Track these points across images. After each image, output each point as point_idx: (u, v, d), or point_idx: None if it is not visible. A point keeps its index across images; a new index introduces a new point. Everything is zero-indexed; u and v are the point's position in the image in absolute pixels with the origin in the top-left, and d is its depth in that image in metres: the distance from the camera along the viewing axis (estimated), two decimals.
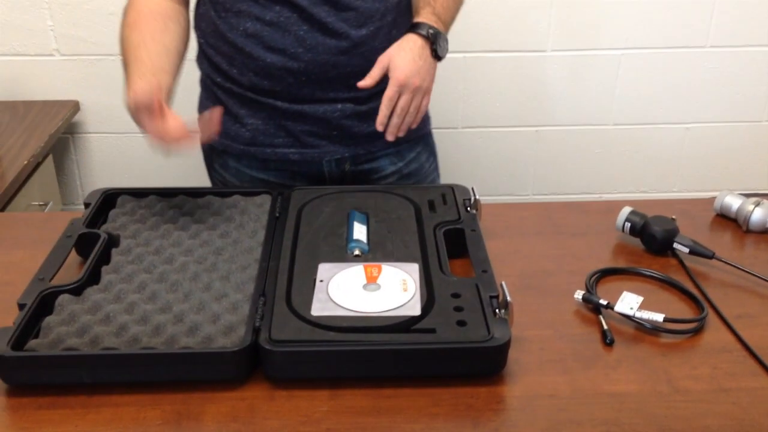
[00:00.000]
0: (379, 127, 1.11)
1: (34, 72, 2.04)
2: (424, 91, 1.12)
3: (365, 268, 0.95)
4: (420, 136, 1.34)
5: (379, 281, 0.92)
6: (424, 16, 1.16)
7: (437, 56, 1.15)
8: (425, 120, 1.35)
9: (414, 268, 0.95)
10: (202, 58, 1.28)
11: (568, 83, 2.15)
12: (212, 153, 1.34)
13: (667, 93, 2.18)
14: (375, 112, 1.18)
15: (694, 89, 2.18)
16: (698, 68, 2.15)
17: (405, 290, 0.91)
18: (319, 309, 0.87)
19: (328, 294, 0.90)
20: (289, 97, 1.21)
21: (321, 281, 0.92)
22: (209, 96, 1.29)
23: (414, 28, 1.15)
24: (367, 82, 1.11)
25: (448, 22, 1.21)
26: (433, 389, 0.82)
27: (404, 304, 0.88)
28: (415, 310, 0.87)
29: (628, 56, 2.12)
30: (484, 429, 0.77)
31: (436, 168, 1.41)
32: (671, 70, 2.15)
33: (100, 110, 2.10)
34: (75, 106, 2.05)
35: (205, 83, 1.30)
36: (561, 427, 0.78)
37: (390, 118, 1.11)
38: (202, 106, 1.32)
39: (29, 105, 2.01)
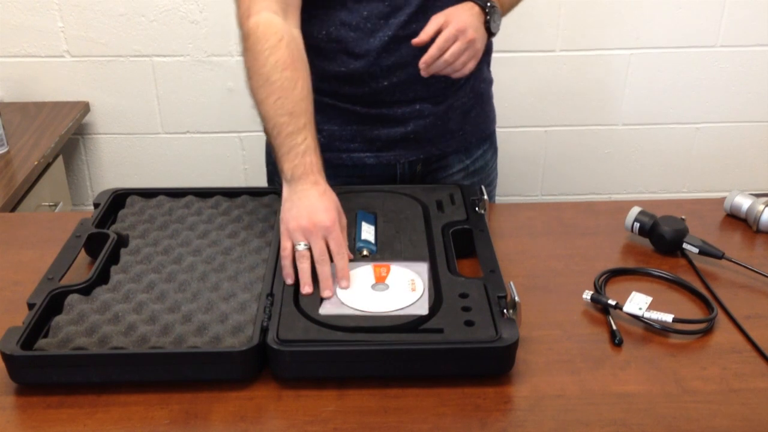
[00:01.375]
0: (422, 65, 1.06)
1: (45, 73, 2.05)
2: (475, 50, 1.09)
3: (374, 267, 0.95)
4: (487, 135, 1.34)
5: (387, 281, 0.92)
6: None
7: (489, 30, 1.12)
8: (493, 117, 1.35)
9: (423, 267, 0.95)
10: None
11: (577, 83, 2.14)
12: None
13: (677, 93, 2.17)
14: (449, 110, 1.19)
15: (704, 89, 2.16)
16: (708, 68, 2.14)
17: (413, 290, 0.90)
18: (327, 309, 0.87)
19: (336, 294, 0.90)
20: (369, 101, 1.19)
21: None
22: None
23: None
24: (422, 37, 1.07)
25: (506, 8, 1.19)
26: (441, 389, 0.82)
27: (412, 303, 0.88)
28: (423, 309, 0.87)
29: (637, 56, 2.11)
30: (491, 429, 0.77)
31: (496, 166, 1.41)
32: (681, 70, 2.14)
33: (110, 111, 2.11)
34: (85, 107, 2.06)
35: None
36: (569, 427, 0.77)
37: (436, 60, 1.06)
38: None
39: (40, 106, 2.02)
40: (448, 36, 1.05)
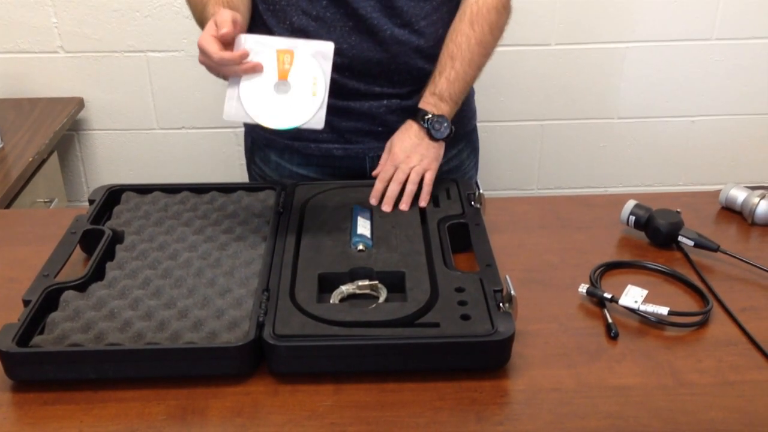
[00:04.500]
0: (372, 201, 1.11)
1: (39, 69, 2.04)
2: (424, 166, 1.13)
3: (278, 54, 0.95)
4: (464, 133, 1.34)
5: (290, 78, 0.94)
6: (424, 101, 1.17)
7: (434, 138, 1.16)
8: (470, 115, 1.35)
9: (328, 48, 0.96)
10: None
11: (572, 77, 2.14)
12: (254, 146, 1.35)
13: (672, 86, 2.17)
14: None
15: (699, 82, 2.16)
16: (703, 61, 2.14)
17: (314, 94, 0.92)
18: (231, 114, 0.90)
19: (239, 93, 0.92)
20: (335, 93, 1.19)
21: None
22: None
23: (414, 114, 1.17)
24: (377, 170, 1.14)
25: (458, 93, 1.19)
26: (437, 383, 0.82)
27: (310, 119, 0.92)
28: (320, 123, 0.92)
29: (632, 49, 2.11)
30: (488, 423, 0.77)
31: (476, 165, 1.41)
32: (676, 63, 2.14)
33: (104, 107, 2.10)
34: (79, 103, 2.05)
35: None
36: (565, 420, 0.78)
37: (384, 192, 1.11)
38: None
39: (34, 102, 2.01)
40: (383, 173, 1.13)
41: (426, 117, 1.16)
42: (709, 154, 2.27)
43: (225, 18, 0.98)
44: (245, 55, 0.96)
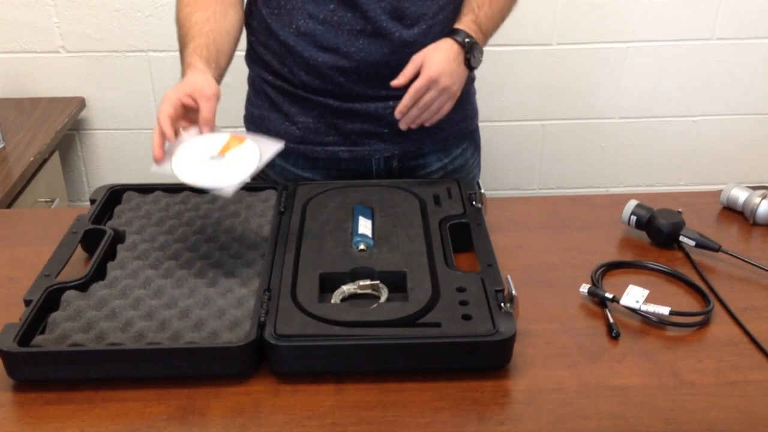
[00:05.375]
0: (397, 115, 1.12)
1: (40, 69, 2.05)
2: (450, 94, 1.13)
3: (231, 138, 0.96)
4: (468, 132, 1.34)
5: (227, 155, 0.95)
6: (464, 23, 1.16)
7: (470, 66, 1.15)
8: (473, 114, 1.35)
9: (278, 147, 0.97)
10: (253, 56, 1.27)
11: (573, 77, 2.14)
12: None
13: (674, 86, 2.17)
14: None
15: (700, 82, 2.16)
16: (705, 61, 2.14)
17: (240, 172, 0.92)
18: (155, 167, 0.91)
19: (176, 150, 0.93)
20: (341, 95, 1.20)
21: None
22: (258, 94, 1.28)
23: (452, 33, 1.15)
24: (400, 80, 1.11)
25: (490, 32, 1.20)
26: (438, 383, 0.82)
27: (218, 186, 0.91)
28: (228, 192, 0.90)
29: (634, 49, 2.11)
30: (489, 423, 0.77)
31: (479, 163, 1.41)
32: (678, 62, 2.13)
33: (105, 107, 2.10)
34: (81, 103, 2.05)
35: (254, 81, 1.29)
36: (566, 420, 0.78)
37: (410, 109, 1.12)
38: (251, 104, 1.31)
39: (35, 102, 2.01)
40: (419, 87, 1.10)
41: (467, 40, 1.13)
42: (711, 154, 2.27)
43: (206, 107, 0.97)
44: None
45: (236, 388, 0.82)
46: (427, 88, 1.10)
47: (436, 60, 1.11)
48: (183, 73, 1.07)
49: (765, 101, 2.20)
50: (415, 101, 1.11)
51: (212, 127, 0.97)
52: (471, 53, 1.14)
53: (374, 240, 1.01)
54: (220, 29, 1.13)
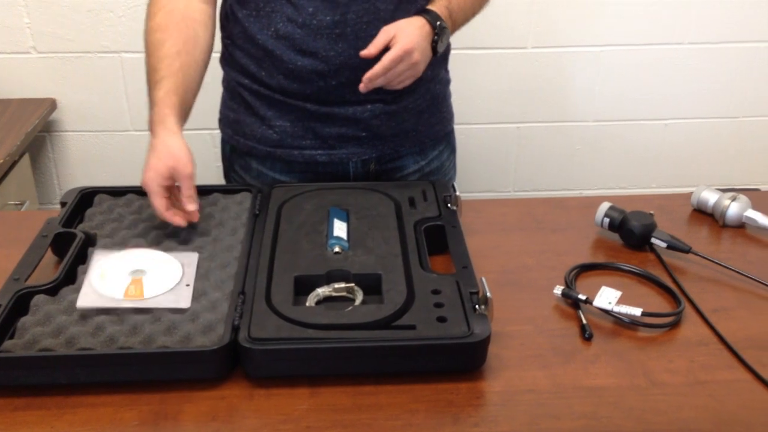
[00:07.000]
0: (365, 80, 1.09)
1: (11, 70, 2.01)
2: (416, 72, 1.12)
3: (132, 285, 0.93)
4: (444, 134, 1.34)
5: (146, 267, 0.94)
6: (437, 7, 1.16)
7: (435, 50, 1.14)
8: (449, 117, 1.35)
9: (192, 258, 0.96)
10: (229, 59, 1.25)
11: (548, 80, 2.16)
12: (233, 154, 1.31)
13: (647, 89, 2.19)
14: (403, 110, 1.20)
15: (672, 86, 2.19)
16: (677, 65, 2.17)
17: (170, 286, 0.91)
18: (83, 300, 0.87)
19: (90, 277, 0.91)
20: (319, 99, 1.19)
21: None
22: (234, 97, 1.27)
23: (425, 13, 1.14)
24: (371, 50, 1.09)
25: (458, 24, 1.20)
26: (413, 385, 0.82)
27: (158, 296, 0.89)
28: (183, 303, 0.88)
29: (607, 53, 2.13)
30: (464, 424, 0.77)
31: (455, 165, 1.41)
32: (650, 66, 2.16)
33: (77, 108, 2.08)
34: (52, 104, 2.02)
35: (230, 85, 1.27)
36: (541, 421, 0.78)
37: (379, 78, 1.09)
38: (227, 107, 1.30)
39: (5, 103, 1.98)
40: (394, 57, 1.08)
41: (439, 23, 1.12)
42: (682, 156, 2.30)
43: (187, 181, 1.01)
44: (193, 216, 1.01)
45: (210, 393, 0.81)
46: (400, 59, 1.08)
47: (411, 33, 1.10)
48: (152, 121, 1.08)
49: (735, 105, 2.24)
50: (386, 71, 1.09)
51: (195, 201, 1.01)
52: (440, 37, 1.13)
53: (349, 242, 1.00)
54: (191, 62, 1.12)
